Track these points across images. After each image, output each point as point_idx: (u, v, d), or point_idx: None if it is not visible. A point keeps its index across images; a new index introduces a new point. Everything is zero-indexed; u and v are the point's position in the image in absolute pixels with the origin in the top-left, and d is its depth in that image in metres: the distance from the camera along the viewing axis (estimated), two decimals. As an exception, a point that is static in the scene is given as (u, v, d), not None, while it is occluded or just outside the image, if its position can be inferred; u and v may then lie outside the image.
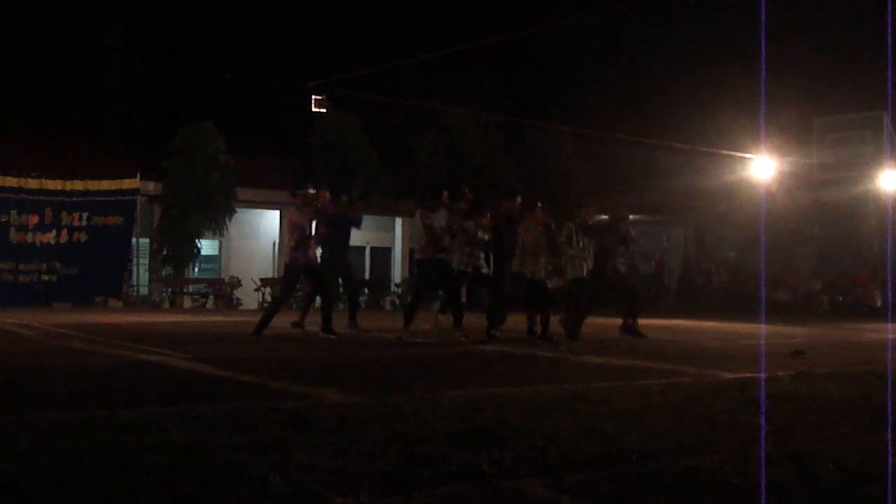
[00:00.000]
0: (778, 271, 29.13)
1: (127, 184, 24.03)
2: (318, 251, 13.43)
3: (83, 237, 23.42)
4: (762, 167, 26.30)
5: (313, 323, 13.63)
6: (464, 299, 14.25)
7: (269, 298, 23.08)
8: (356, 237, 27.31)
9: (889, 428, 5.63)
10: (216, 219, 24.93)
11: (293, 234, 12.77)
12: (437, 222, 12.46)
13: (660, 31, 39.18)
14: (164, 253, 24.82)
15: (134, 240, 24.33)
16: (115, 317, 18.32)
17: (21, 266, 22.70)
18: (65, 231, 23.22)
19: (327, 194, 14.02)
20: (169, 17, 39.80)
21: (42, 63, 35.96)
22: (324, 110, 25.05)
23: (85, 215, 23.44)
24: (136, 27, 38.19)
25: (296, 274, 13.02)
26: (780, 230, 28.79)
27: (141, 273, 25.03)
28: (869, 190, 27.23)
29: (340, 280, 15.11)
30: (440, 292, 14.09)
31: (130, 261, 24.59)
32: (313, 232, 12.98)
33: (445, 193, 12.99)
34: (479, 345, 12.04)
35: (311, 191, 13.27)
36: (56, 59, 36.03)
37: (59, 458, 4.46)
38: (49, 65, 35.91)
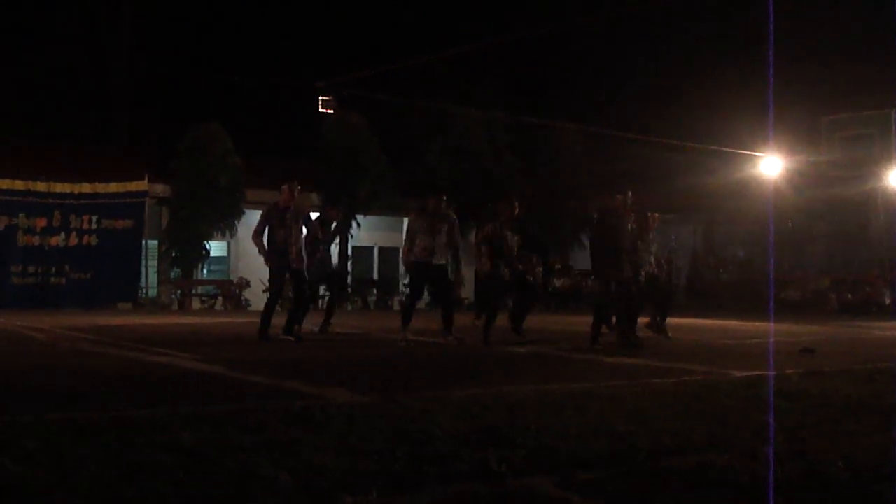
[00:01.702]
0: (786, 269, 29.08)
1: (135, 186, 24.07)
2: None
3: (93, 240, 23.45)
4: (771, 165, 26.29)
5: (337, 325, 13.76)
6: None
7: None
8: (365, 237, 27.51)
9: (899, 425, 5.61)
10: (225, 220, 24.94)
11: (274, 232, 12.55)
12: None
13: (668, 30, 39.18)
14: (173, 255, 24.84)
15: (143, 241, 24.36)
16: (125, 319, 18.36)
17: (30, 269, 22.75)
18: (74, 234, 23.26)
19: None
20: (175, 18, 39.88)
21: (48, 65, 36.04)
22: (332, 111, 25.05)
23: (94, 218, 23.47)
24: (142, 28, 38.26)
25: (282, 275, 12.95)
26: (788, 228, 28.75)
27: (150, 275, 25.04)
28: (877, 187, 27.20)
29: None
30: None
31: (141, 265, 24.62)
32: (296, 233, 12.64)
33: (445, 199, 12.69)
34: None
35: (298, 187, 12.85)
36: (62, 61, 36.09)
37: (68, 458, 4.46)
38: (55, 67, 35.98)
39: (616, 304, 12.51)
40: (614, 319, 13.53)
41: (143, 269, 24.73)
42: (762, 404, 6.43)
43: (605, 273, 12.13)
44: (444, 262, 12.28)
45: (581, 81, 40.18)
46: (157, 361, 9.64)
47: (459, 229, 12.70)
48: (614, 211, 12.31)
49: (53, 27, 37.86)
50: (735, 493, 4.07)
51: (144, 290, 24.93)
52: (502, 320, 13.06)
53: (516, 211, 12.95)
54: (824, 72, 33.77)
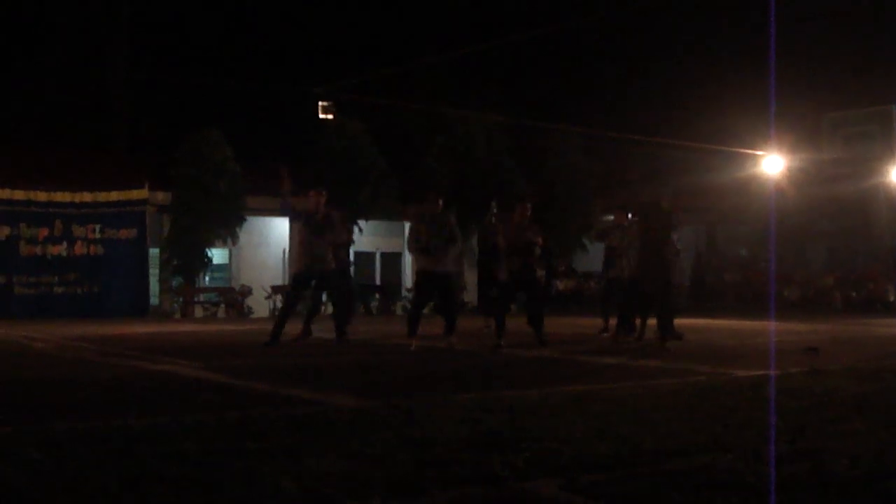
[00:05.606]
0: (789, 268, 29.03)
1: (136, 194, 24.07)
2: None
3: (98, 250, 23.44)
4: (772, 164, 26.25)
5: (325, 329, 13.67)
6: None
7: (279, 306, 23.06)
8: (366, 242, 27.50)
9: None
10: (226, 227, 24.93)
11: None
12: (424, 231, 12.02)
13: (669, 30, 39.19)
14: (174, 263, 24.82)
15: (148, 253, 24.35)
16: (127, 327, 18.34)
17: (33, 279, 22.74)
18: (79, 243, 23.22)
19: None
20: (173, 25, 39.92)
21: (46, 74, 36.05)
22: (331, 116, 25.06)
23: (97, 227, 23.46)
24: (140, 35, 38.29)
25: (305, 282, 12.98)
26: (790, 226, 28.69)
27: (151, 283, 25.02)
28: (879, 184, 27.15)
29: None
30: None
31: (149, 277, 24.57)
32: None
33: (441, 200, 12.45)
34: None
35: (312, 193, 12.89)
36: (60, 70, 36.10)
37: (71, 466, 4.45)
38: (53, 75, 35.99)
39: (653, 304, 12.42)
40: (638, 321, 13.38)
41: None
42: (766, 404, 6.41)
43: (649, 275, 11.98)
44: (446, 269, 12.20)
45: (581, 83, 40.18)
46: (160, 370, 9.62)
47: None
48: (660, 212, 12.25)
49: (51, 35, 37.87)
50: (740, 495, 4.05)
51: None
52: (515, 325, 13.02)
53: (528, 212, 12.85)
54: (825, 69, 33.81)
